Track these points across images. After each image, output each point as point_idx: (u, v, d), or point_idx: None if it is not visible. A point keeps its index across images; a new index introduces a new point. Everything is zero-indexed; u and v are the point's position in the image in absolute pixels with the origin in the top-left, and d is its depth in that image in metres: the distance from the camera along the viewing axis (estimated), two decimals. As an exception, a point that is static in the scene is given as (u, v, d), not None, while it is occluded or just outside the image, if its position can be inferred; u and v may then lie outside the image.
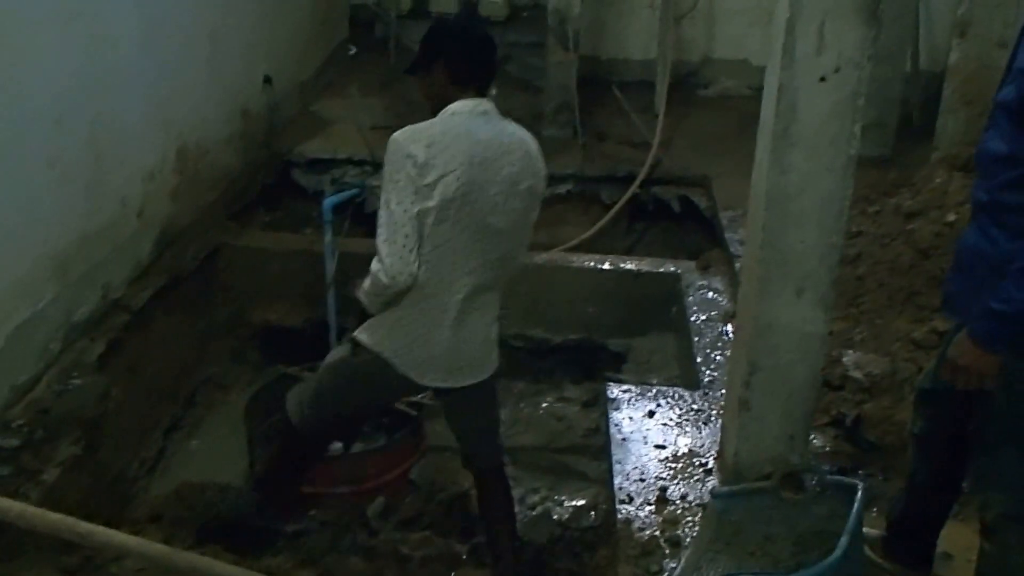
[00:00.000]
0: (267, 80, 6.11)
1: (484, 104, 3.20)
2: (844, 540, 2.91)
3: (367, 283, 3.11)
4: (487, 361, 3.28)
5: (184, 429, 4.81)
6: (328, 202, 4.66)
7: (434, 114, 3.15)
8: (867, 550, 3.22)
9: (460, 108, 3.14)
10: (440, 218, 3.00)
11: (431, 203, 2.98)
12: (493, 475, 3.52)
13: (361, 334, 3.19)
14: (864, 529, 3.15)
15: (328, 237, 4.64)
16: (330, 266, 4.66)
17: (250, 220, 5.85)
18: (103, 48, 4.16)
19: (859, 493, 3.09)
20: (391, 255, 3.00)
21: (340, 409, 3.40)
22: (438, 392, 3.33)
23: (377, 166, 6.11)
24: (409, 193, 2.98)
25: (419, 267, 3.03)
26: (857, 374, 4.10)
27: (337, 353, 3.41)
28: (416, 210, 2.98)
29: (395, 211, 2.98)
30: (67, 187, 3.98)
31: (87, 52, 4.04)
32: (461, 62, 3.18)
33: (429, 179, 2.97)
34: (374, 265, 3.05)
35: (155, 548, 2.50)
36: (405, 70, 3.32)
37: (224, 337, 5.38)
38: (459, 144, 3.03)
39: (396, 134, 3.04)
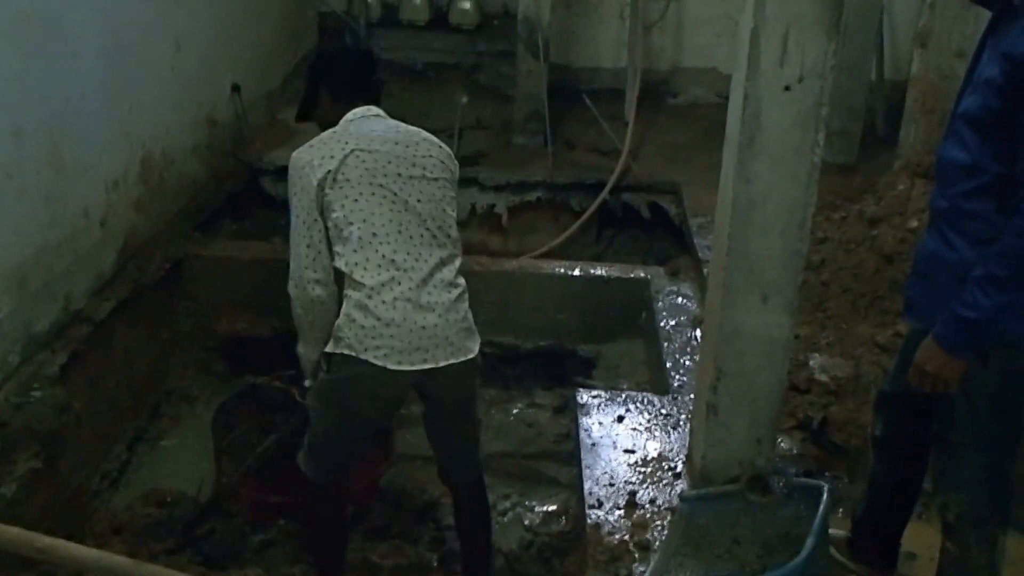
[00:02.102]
0: (235, 89, 6.12)
1: (374, 109, 3.38)
2: (810, 542, 2.97)
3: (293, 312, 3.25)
4: (458, 340, 3.15)
5: (148, 441, 4.78)
6: (296, 211, 4.67)
7: (320, 126, 3.36)
8: (833, 551, 3.29)
9: (351, 115, 3.32)
10: (342, 202, 3.09)
11: (330, 194, 3.09)
12: (470, 490, 3.52)
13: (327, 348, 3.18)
14: (830, 530, 3.21)
15: (296, 246, 4.64)
16: (297, 275, 4.66)
17: (217, 229, 5.85)
18: (63, 58, 4.14)
19: (824, 495, 3.16)
20: (296, 268, 3.15)
21: (335, 442, 3.32)
22: (422, 398, 3.31)
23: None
24: (307, 201, 3.10)
25: (338, 266, 3.10)
26: (823, 378, 4.17)
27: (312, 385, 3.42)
28: (317, 214, 3.10)
29: (297, 223, 3.13)
30: (26, 199, 3.95)
31: (46, 62, 4.02)
32: (341, 84, 3.40)
33: (320, 173, 3.10)
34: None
35: (117, 560, 2.49)
36: (296, 119, 3.59)
37: (190, 348, 5.36)
38: (346, 133, 3.22)
39: (293, 153, 3.23)
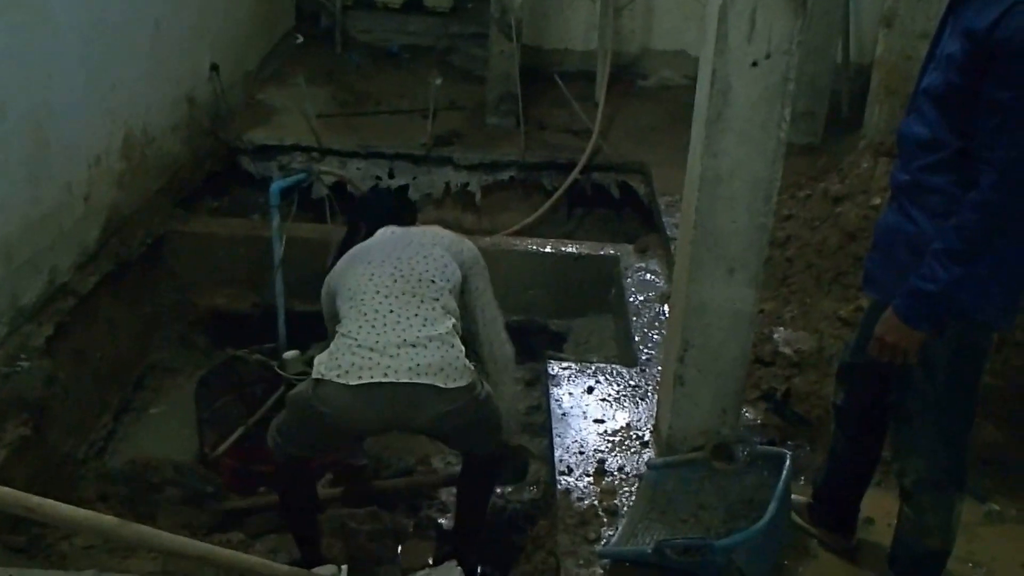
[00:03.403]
0: (214, 68, 6.06)
1: (393, 227, 3.72)
2: (772, 507, 2.99)
3: None
4: (432, 369, 3.10)
5: (133, 412, 4.76)
6: (275, 186, 4.64)
7: None
8: (795, 516, 3.30)
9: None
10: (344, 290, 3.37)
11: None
12: (480, 462, 3.49)
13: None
14: (792, 496, 3.23)
15: (275, 222, 4.62)
16: (277, 250, 4.65)
17: (197, 206, 5.81)
18: (45, 36, 4.08)
19: (787, 462, 3.18)
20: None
21: (296, 441, 3.32)
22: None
23: (324, 152, 6.12)
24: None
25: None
26: (786, 350, 4.19)
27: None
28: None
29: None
30: (10, 174, 3.91)
31: (29, 40, 3.97)
32: (378, 221, 3.78)
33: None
34: None
35: (104, 520, 2.49)
36: (341, 251, 3.73)
37: (172, 322, 5.34)
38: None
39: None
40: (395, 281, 3.29)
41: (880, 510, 3.29)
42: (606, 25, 7.24)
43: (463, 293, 3.50)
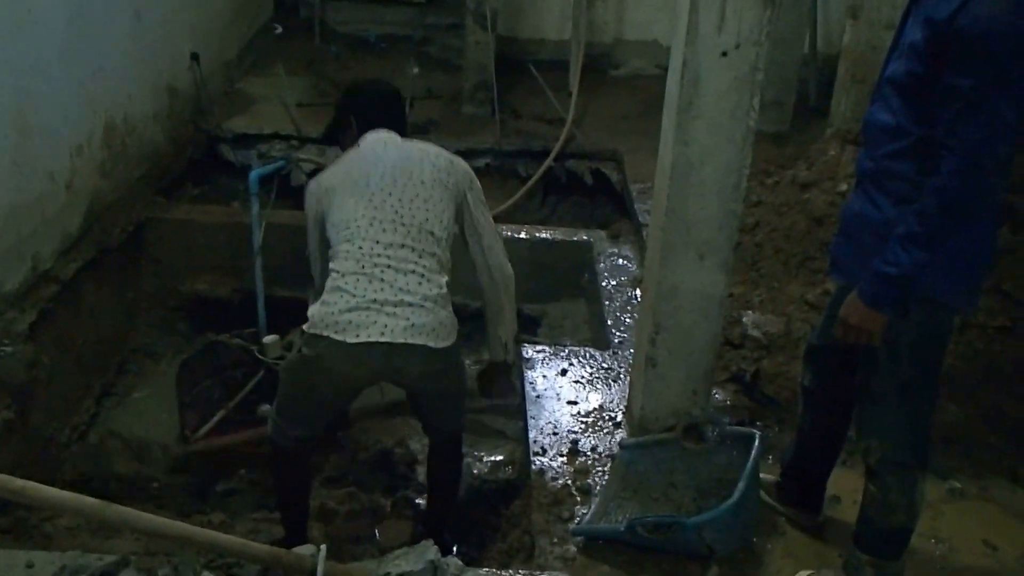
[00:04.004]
0: (194, 58, 6.00)
1: (385, 133, 3.40)
2: (742, 485, 3.01)
3: None
4: (425, 328, 3.08)
5: (115, 396, 4.73)
6: (254, 174, 4.61)
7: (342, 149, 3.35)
8: (763, 495, 3.32)
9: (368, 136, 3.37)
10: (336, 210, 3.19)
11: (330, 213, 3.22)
12: (447, 444, 3.48)
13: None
14: (760, 475, 3.25)
15: (255, 209, 4.59)
16: (257, 237, 4.62)
17: (178, 194, 5.76)
18: (27, 24, 4.04)
19: (756, 442, 3.20)
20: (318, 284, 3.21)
21: (298, 415, 3.27)
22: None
23: (303, 140, 6.08)
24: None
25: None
26: (755, 333, 4.21)
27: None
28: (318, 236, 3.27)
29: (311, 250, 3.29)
30: (-6, 162, 3.88)
31: (11, 28, 3.92)
32: (370, 117, 3.42)
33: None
34: None
35: (87, 502, 2.47)
36: (327, 140, 3.57)
37: (153, 308, 5.31)
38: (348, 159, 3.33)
39: (314, 181, 3.32)
40: (395, 230, 3.13)
41: (846, 488, 3.32)
42: (579, 16, 7.22)
43: (459, 220, 3.37)
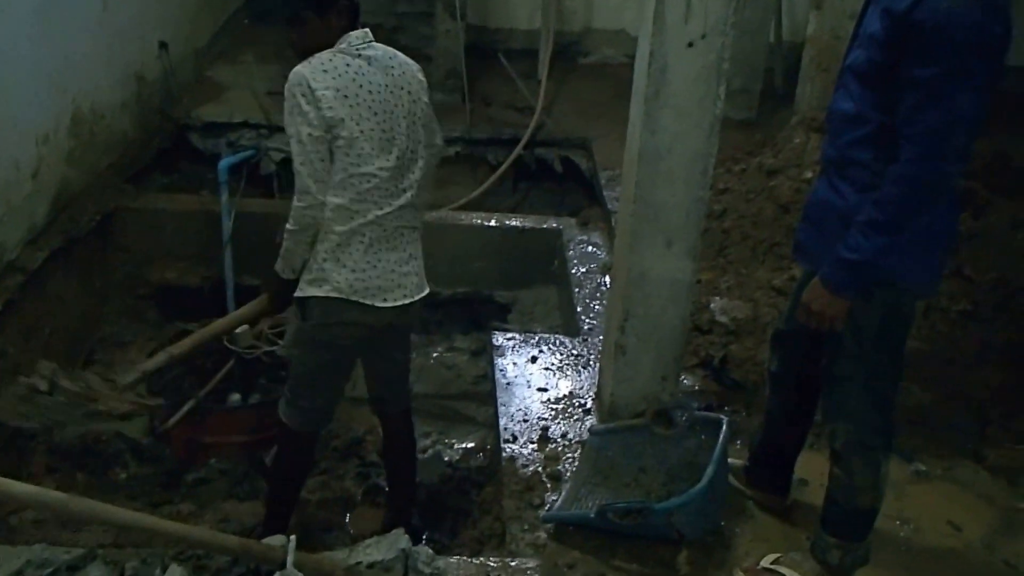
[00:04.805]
0: (162, 46, 5.92)
1: (368, 35, 3.13)
2: (710, 470, 3.00)
3: (290, 222, 3.00)
4: (421, 278, 3.21)
5: (84, 386, 4.67)
6: (224, 163, 4.57)
7: (306, 55, 2.98)
8: (732, 478, 3.31)
9: (355, 41, 3.05)
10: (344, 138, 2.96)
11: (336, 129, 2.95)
12: (401, 419, 3.50)
13: (307, 289, 3.05)
14: (729, 460, 3.24)
15: (224, 197, 4.54)
16: (226, 225, 4.57)
17: (147, 183, 5.68)
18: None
19: (724, 427, 3.18)
20: (310, 175, 2.94)
21: (322, 384, 3.24)
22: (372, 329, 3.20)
23: (273, 130, 6.01)
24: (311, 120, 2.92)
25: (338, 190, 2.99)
26: (723, 319, 4.20)
27: (289, 334, 3.31)
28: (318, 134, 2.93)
29: (304, 139, 2.92)
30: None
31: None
32: (351, 20, 3.08)
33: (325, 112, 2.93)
34: (295, 197, 2.98)
35: (52, 496, 2.42)
36: (289, 23, 3.08)
37: (122, 297, 5.24)
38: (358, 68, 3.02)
39: (302, 76, 2.91)
40: (406, 191, 3.09)
41: (813, 471, 3.32)
42: (549, 5, 7.18)
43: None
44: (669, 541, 3.05)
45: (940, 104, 2.38)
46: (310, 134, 2.90)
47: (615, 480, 3.34)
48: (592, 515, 3.05)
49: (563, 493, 3.28)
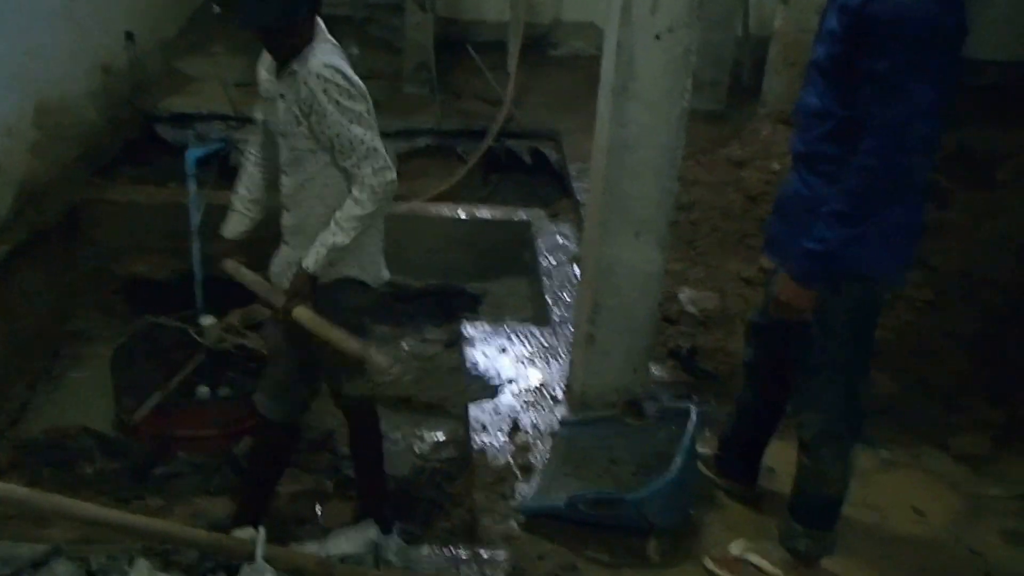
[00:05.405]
0: (129, 36, 5.83)
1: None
2: (679, 460, 3.00)
3: (367, 204, 2.90)
4: None
5: (50, 381, 4.61)
6: (192, 155, 4.51)
7: (295, 52, 2.91)
8: (702, 467, 3.32)
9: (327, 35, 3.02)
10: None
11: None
12: (365, 412, 3.43)
13: (359, 273, 3.04)
14: (699, 449, 3.25)
15: (192, 189, 4.49)
16: (195, 218, 4.51)
17: (115, 175, 5.61)
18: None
19: (693, 417, 3.19)
20: (382, 147, 2.94)
21: (312, 374, 3.22)
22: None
23: (242, 121, 5.94)
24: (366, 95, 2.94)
25: None
26: (692, 309, 4.21)
27: (281, 330, 3.14)
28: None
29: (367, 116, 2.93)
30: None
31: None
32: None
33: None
34: (372, 177, 2.89)
35: (18, 492, 2.38)
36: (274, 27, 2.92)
37: (90, 290, 5.17)
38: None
39: (339, 64, 2.88)
40: None
41: (781, 460, 3.32)
42: (518, -3, 7.16)
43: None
44: (640, 531, 3.05)
45: (897, 97, 2.40)
46: (368, 110, 2.91)
47: (586, 470, 3.33)
48: (563, 505, 3.04)
49: (535, 484, 3.27)
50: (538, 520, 3.12)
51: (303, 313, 2.94)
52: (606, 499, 2.99)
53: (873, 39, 2.42)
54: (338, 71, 2.86)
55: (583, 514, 3.02)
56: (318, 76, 2.83)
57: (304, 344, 3.08)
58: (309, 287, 2.96)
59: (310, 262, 2.91)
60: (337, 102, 2.84)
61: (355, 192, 2.89)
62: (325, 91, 2.83)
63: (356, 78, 2.90)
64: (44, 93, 4.77)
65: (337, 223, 2.88)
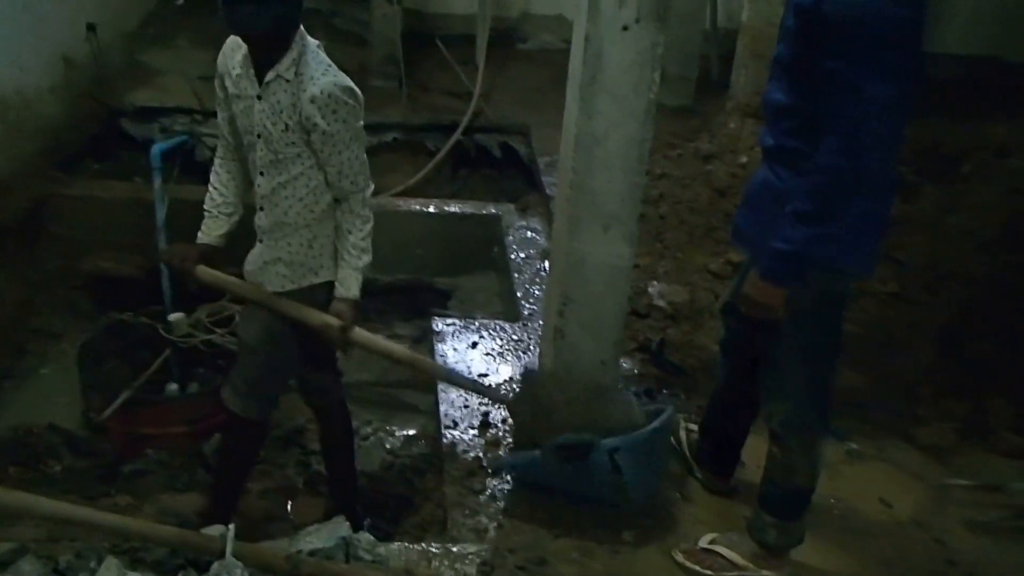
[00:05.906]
0: (91, 28, 5.77)
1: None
2: (656, 423, 3.13)
3: (366, 217, 3.02)
4: None
5: (15, 379, 4.56)
6: (156, 149, 4.46)
7: (281, 54, 2.90)
8: (677, 443, 3.37)
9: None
10: None
11: None
12: (335, 408, 3.45)
13: (330, 275, 3.09)
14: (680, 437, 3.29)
15: (157, 183, 4.45)
16: (160, 213, 4.48)
17: (79, 169, 5.55)
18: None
19: (669, 410, 3.24)
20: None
21: (287, 372, 3.25)
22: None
23: (207, 114, 5.91)
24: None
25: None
26: (661, 303, 4.24)
27: (262, 327, 3.13)
28: None
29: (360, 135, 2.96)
30: None
31: None
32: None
33: None
34: (368, 189, 3.01)
35: (-16, 491, 2.38)
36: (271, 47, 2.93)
37: (55, 287, 5.10)
38: None
39: (348, 82, 2.89)
40: None
41: (751, 452, 3.36)
42: (486, -11, 7.15)
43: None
44: (611, 501, 3.10)
45: (853, 94, 2.41)
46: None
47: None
48: (537, 454, 3.07)
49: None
50: (524, 507, 3.15)
51: (359, 336, 3.08)
52: (580, 443, 3.02)
53: (827, 37, 2.44)
54: (350, 90, 2.89)
55: (557, 477, 3.04)
56: (330, 96, 2.83)
57: (294, 344, 3.10)
58: (358, 311, 3.08)
59: (353, 291, 3.03)
60: (345, 121, 2.87)
61: (358, 209, 2.99)
62: (335, 112, 2.84)
63: (358, 90, 2.92)
64: (2, 86, 4.72)
65: (356, 247, 3.01)
